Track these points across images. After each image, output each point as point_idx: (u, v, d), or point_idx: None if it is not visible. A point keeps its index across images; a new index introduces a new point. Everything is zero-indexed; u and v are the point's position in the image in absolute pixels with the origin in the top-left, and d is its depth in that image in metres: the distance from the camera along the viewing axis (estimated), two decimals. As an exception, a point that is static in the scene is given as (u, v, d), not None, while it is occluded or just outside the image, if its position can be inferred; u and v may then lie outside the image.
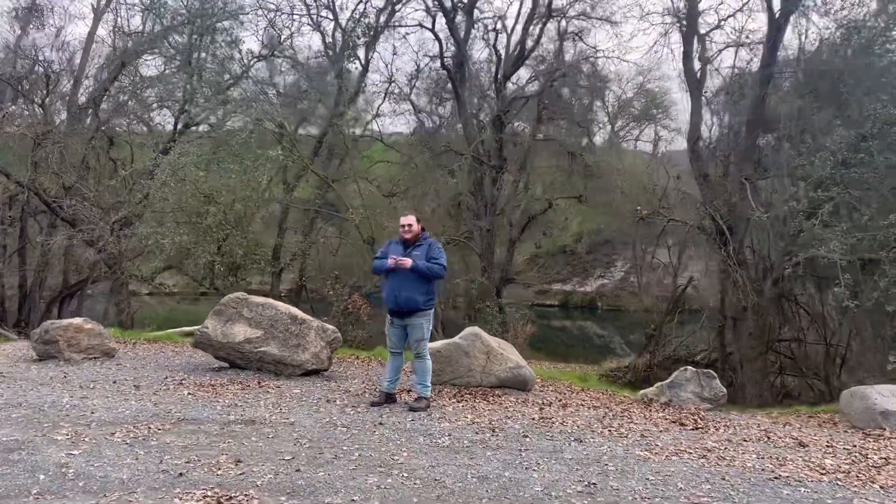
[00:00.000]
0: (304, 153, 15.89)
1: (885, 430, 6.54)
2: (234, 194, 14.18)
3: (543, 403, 7.34)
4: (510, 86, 16.41)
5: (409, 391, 7.55)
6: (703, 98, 14.28)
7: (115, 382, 7.54)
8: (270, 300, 8.53)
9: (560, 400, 7.65)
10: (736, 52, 16.45)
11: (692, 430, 6.28)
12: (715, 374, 7.36)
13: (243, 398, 6.93)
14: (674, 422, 6.55)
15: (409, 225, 6.76)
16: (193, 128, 18.99)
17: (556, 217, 17.45)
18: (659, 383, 7.62)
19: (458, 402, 7.19)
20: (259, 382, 7.71)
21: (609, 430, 6.11)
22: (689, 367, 7.46)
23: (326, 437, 5.55)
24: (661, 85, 36.52)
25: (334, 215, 16.62)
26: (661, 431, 6.15)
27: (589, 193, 16.96)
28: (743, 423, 6.72)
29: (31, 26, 20.66)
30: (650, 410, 7.11)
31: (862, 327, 14.71)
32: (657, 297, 28.91)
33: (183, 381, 7.68)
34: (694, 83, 14.15)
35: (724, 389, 7.35)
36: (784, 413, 8.68)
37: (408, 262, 6.55)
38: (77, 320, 8.96)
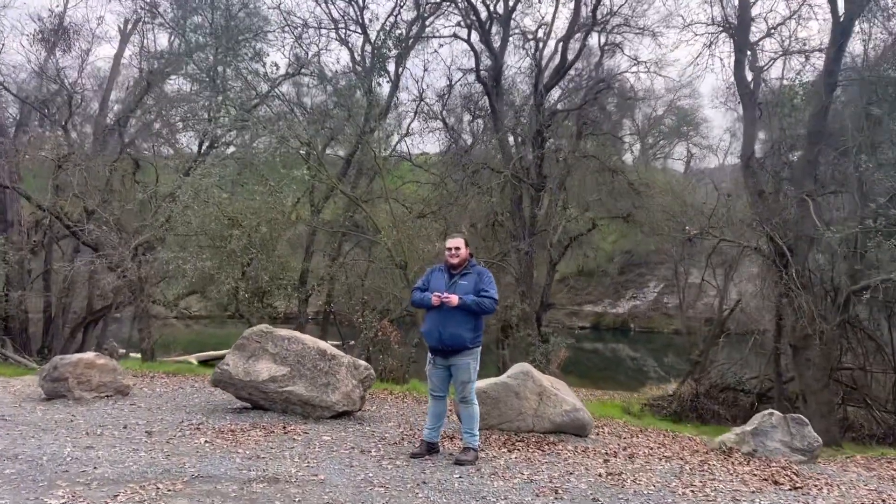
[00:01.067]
0: (331, 173, 15.20)
1: None
2: (258, 217, 13.51)
3: (607, 453, 6.42)
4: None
5: (451, 437, 6.70)
6: (756, 110, 13.32)
7: (125, 427, 6.78)
8: (297, 333, 7.74)
9: (624, 447, 6.73)
10: (785, 61, 15.55)
11: (790, 490, 5.33)
12: (807, 420, 6.38)
13: (266, 447, 6.12)
14: (765, 479, 5.59)
15: (457, 248, 5.94)
16: (219, 149, 18.47)
17: (599, 238, 16.48)
18: (738, 429, 6.66)
19: (510, 451, 6.31)
20: (284, 427, 6.91)
21: (692, 491, 5.19)
22: (774, 411, 6.49)
23: (362, 502, 4.72)
24: (692, 102, 35.72)
25: (364, 238, 15.87)
26: (753, 493, 5.21)
27: (629, 212, 15.96)
28: (846, 481, 5.74)
29: (58, 49, 20.36)
30: (732, 463, 6.16)
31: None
32: (696, 318, 27.84)
33: (200, 426, 6.89)
34: (747, 94, 13.21)
35: (819, 438, 6.38)
36: (871, 456, 7.69)
37: (454, 299, 5.73)
38: (88, 355, 8.26)
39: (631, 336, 42.51)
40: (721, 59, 19.33)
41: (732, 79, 13.99)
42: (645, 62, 22.04)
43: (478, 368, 6.05)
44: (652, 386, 25.15)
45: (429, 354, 6.05)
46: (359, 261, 17.39)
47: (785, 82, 13.75)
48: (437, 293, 5.79)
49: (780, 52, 13.40)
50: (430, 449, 6.08)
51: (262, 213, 13.63)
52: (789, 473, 5.75)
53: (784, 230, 12.55)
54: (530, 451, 6.36)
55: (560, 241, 15.36)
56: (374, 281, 18.36)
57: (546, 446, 6.54)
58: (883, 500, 5.18)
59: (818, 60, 13.94)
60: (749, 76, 13.48)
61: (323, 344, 7.64)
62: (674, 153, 45.52)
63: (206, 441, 6.30)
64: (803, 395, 13.44)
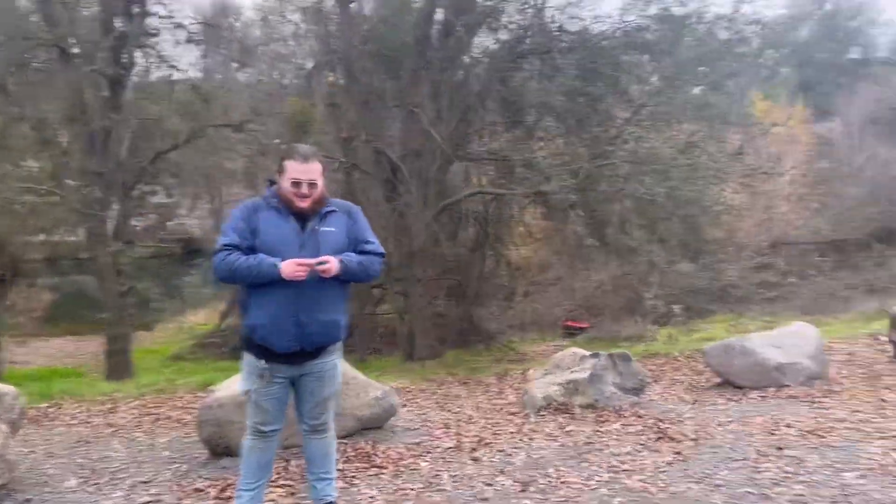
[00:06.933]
0: None
1: (789, 386, 6.01)
2: None
3: (473, 457, 4.73)
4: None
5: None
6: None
7: None
8: None
9: (460, 436, 5.11)
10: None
11: (692, 441, 4.64)
12: (631, 355, 5.78)
13: None
14: (659, 437, 4.78)
15: (312, 184, 3.28)
16: None
17: (196, 153, 12.81)
18: (556, 377, 5.66)
19: (351, 486, 4.08)
20: None
21: (647, 487, 4.02)
22: (599, 352, 5.72)
23: None
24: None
25: None
26: (674, 462, 4.33)
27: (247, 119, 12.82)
28: (702, 411, 5.35)
29: None
30: (583, 422, 5.18)
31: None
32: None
33: None
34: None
35: (647, 373, 5.88)
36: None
37: (334, 264, 3.16)
38: None
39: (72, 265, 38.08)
40: None
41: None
42: None
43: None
44: (172, 321, 22.79)
45: (256, 364, 3.29)
46: None
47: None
48: (302, 261, 3.11)
49: None
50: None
51: None
52: (660, 423, 5.08)
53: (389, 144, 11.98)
54: (366, 472, 4.23)
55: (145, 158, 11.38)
56: None
57: (388, 461, 4.46)
58: (776, 426, 4.88)
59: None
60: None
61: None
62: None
63: None
64: (401, 313, 13.41)
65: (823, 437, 4.51)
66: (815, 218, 19.36)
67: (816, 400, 5.56)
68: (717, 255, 14.51)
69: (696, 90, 11.74)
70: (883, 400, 5.37)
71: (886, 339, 7.35)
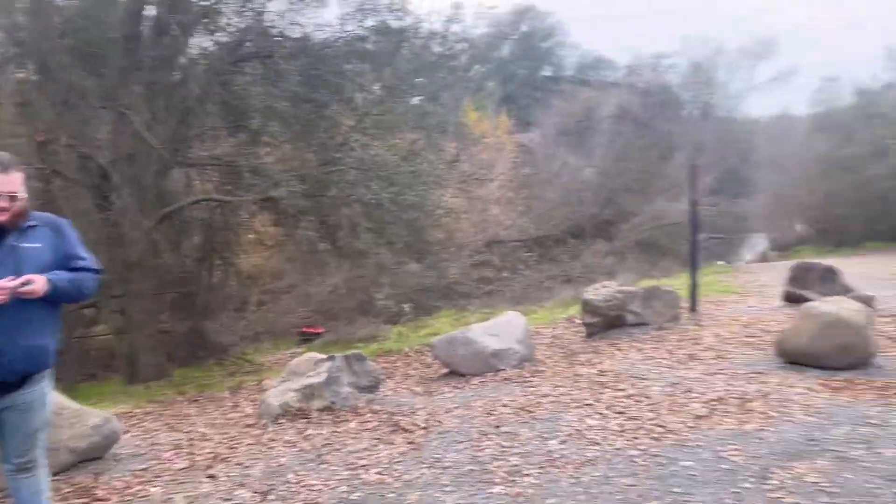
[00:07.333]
0: None
1: (504, 369, 6.67)
2: None
3: (184, 479, 4.51)
4: None
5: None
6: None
7: None
8: None
9: (196, 454, 4.86)
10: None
11: (422, 431, 4.96)
12: (364, 354, 5.92)
13: None
14: (393, 430, 5.01)
15: (12, 196, 2.90)
16: None
17: None
18: (291, 384, 5.64)
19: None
20: None
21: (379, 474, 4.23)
22: (335, 355, 5.78)
23: None
24: None
25: None
26: (402, 452, 4.62)
27: None
28: (432, 401, 5.69)
29: None
30: (321, 424, 5.25)
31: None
32: None
33: None
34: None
35: (381, 369, 6.03)
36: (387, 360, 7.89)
37: (40, 283, 2.85)
38: None
39: None
40: None
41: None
42: None
43: (50, 400, 3.27)
44: None
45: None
46: None
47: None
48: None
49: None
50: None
51: None
52: (399, 418, 5.33)
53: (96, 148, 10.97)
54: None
55: None
56: None
57: (113, 493, 4.10)
58: (494, 406, 5.37)
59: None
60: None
61: None
62: None
63: None
64: (119, 332, 12.27)
65: (532, 411, 5.11)
66: (521, 218, 21.56)
67: (526, 380, 6.26)
68: (440, 255, 15.55)
69: (415, 100, 12.48)
70: (578, 375, 6.21)
71: (580, 321, 8.47)
